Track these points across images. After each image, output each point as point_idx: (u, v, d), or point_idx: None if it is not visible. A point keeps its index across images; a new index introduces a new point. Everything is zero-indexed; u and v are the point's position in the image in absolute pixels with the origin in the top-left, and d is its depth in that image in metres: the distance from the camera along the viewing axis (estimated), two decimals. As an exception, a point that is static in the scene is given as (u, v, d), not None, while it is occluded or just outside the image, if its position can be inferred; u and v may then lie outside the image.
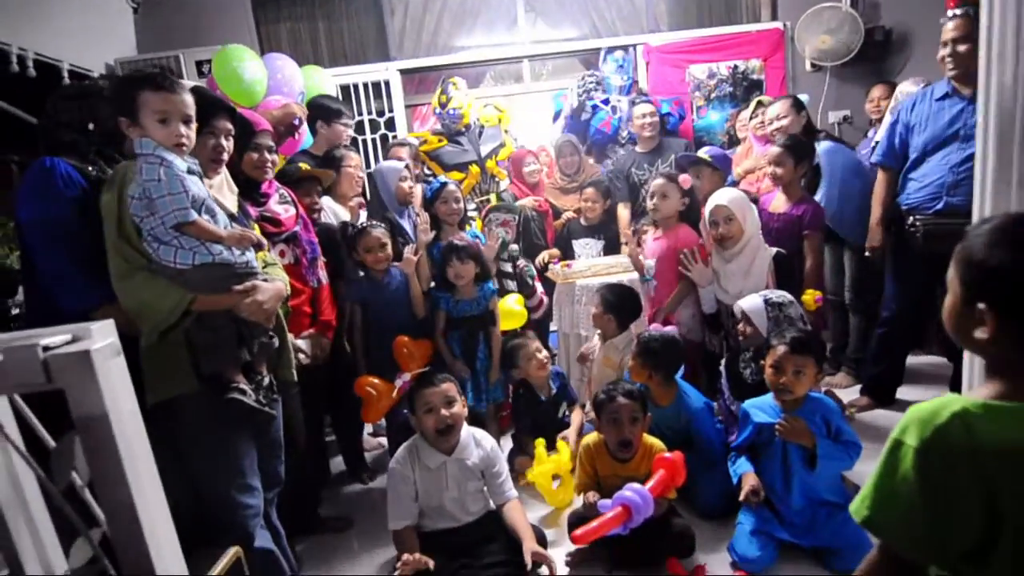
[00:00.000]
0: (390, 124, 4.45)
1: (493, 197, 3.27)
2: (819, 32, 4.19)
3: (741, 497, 1.77)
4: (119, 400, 0.82)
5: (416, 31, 4.55)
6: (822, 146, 2.72)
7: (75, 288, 1.46)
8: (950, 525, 0.75)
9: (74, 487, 0.84)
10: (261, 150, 1.78)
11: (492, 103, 3.73)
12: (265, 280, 1.45)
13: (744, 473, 1.83)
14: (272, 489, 1.63)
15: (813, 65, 4.36)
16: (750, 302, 2.10)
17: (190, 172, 1.31)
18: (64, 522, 0.83)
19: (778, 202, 2.52)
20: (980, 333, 0.79)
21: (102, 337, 0.82)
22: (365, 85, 4.39)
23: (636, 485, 1.62)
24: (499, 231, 2.85)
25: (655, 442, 1.89)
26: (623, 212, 3.23)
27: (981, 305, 0.78)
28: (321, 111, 2.91)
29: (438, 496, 1.80)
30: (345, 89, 4.30)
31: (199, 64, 3.90)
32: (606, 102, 3.62)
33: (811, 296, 2.28)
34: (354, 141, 4.33)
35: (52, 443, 0.84)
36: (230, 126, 1.49)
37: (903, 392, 2.71)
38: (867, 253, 2.62)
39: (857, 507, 0.84)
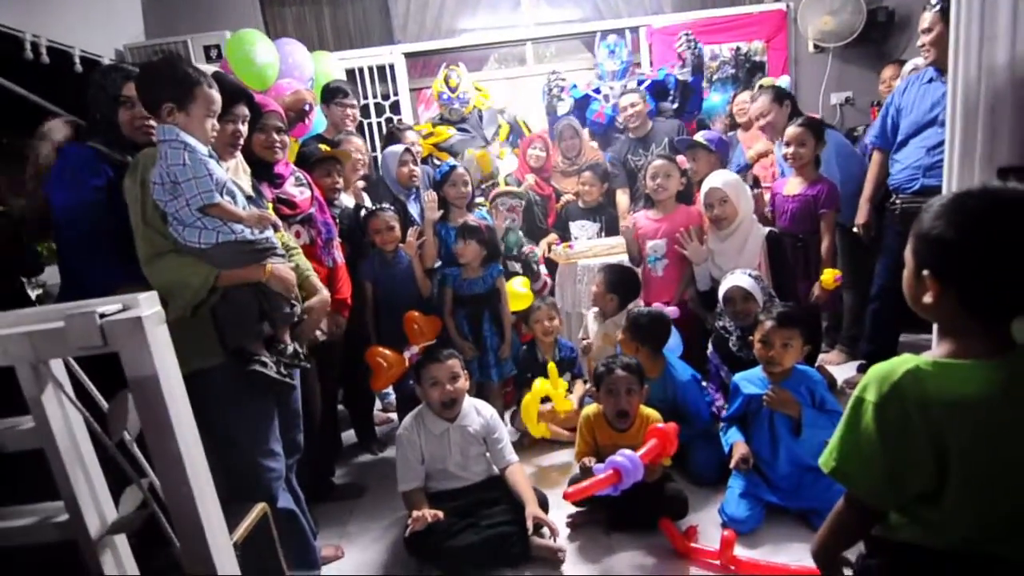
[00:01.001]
0: (395, 107, 4.50)
1: (501, 181, 3.32)
2: (821, 13, 4.20)
3: (732, 464, 1.89)
4: (166, 362, 0.92)
5: (420, 14, 4.57)
6: None
7: (95, 270, 1.55)
8: (906, 471, 0.84)
9: (123, 441, 0.94)
10: (269, 131, 1.82)
11: (475, 85, 3.73)
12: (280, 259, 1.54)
13: (735, 442, 1.94)
14: (292, 456, 1.74)
15: (815, 46, 4.37)
16: (747, 281, 2.19)
17: (211, 157, 1.40)
18: (114, 474, 0.93)
19: (792, 185, 2.57)
20: (927, 299, 0.87)
21: (149, 306, 0.91)
22: (370, 69, 4.43)
23: (628, 451, 1.73)
24: (507, 220, 2.95)
25: (651, 413, 1.99)
26: (622, 198, 3.28)
27: (925, 272, 0.87)
28: (323, 94, 2.98)
29: (442, 460, 1.95)
30: (350, 73, 4.34)
31: (207, 49, 3.95)
32: (598, 91, 3.65)
33: (830, 275, 2.36)
34: (359, 125, 4.40)
35: (103, 402, 0.93)
36: (247, 111, 1.57)
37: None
38: (855, 229, 2.69)
39: (825, 459, 0.93)
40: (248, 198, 1.55)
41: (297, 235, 1.85)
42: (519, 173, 3.43)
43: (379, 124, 4.51)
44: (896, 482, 0.85)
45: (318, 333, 1.89)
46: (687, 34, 3.65)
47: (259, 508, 1.37)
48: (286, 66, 3.27)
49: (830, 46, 4.32)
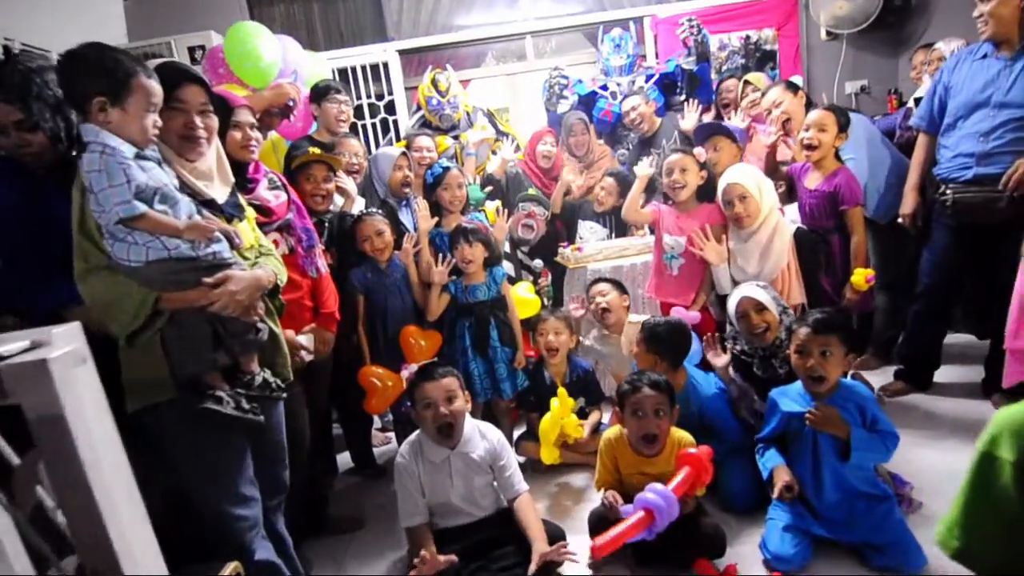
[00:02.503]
0: (390, 107, 4.32)
1: (532, 190, 3.11)
2: (835, -2, 4.00)
3: (774, 494, 1.67)
4: (84, 412, 0.71)
5: (414, 10, 4.40)
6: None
7: (36, 288, 1.36)
8: None
9: (44, 508, 0.75)
10: (243, 128, 1.61)
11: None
12: (242, 269, 1.34)
13: (775, 467, 1.72)
14: (276, 496, 1.54)
15: (829, 33, 4.19)
16: (757, 292, 1.98)
17: (141, 157, 1.19)
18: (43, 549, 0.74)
19: (811, 178, 2.36)
20: None
21: (65, 343, 0.72)
22: (363, 68, 4.25)
23: (658, 486, 1.51)
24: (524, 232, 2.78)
25: (683, 435, 1.77)
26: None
27: None
28: (312, 94, 2.82)
29: (444, 492, 1.72)
30: (343, 72, 4.17)
31: (191, 50, 3.78)
32: (604, 88, 3.46)
33: (862, 276, 2.15)
34: (353, 127, 4.22)
35: (17, 460, 0.74)
36: (203, 99, 1.34)
37: (941, 375, 2.58)
38: (899, 220, 2.46)
39: (944, 537, 0.72)
40: (207, 205, 1.33)
41: (275, 244, 1.64)
42: (523, 166, 3.22)
43: (373, 125, 4.32)
44: None
45: (304, 354, 1.69)
46: (690, 19, 3.45)
47: (231, 568, 1.17)
48: (284, 64, 3.07)
49: (844, 32, 4.12)
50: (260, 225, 1.54)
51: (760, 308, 1.96)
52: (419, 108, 3.44)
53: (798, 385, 1.72)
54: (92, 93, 1.15)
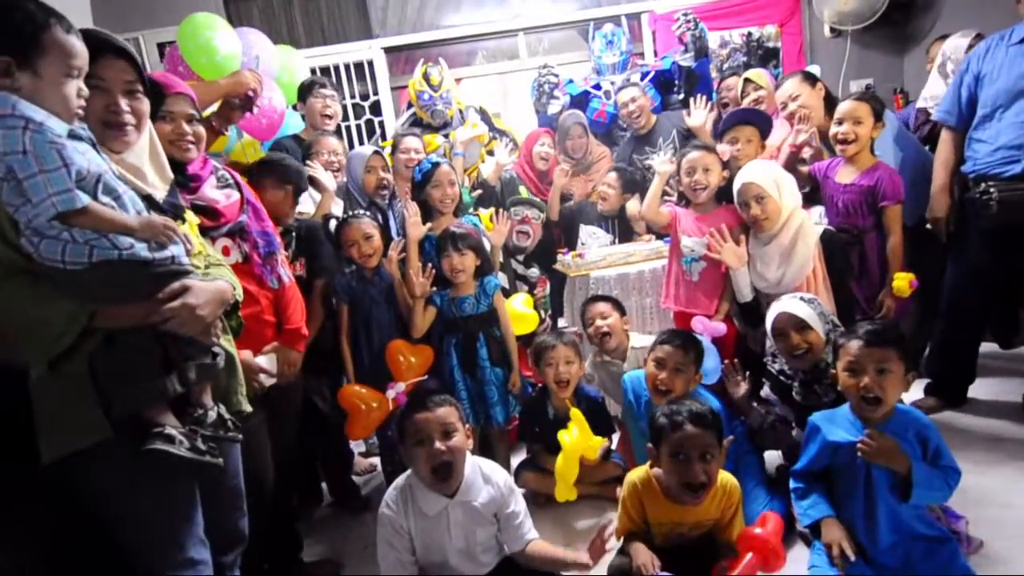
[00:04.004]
0: (375, 108, 4.10)
1: (523, 191, 2.89)
2: (840, -7, 3.85)
3: (828, 558, 1.41)
4: None
5: (400, 6, 4.19)
6: None
7: None
8: None
9: None
10: (176, 119, 1.33)
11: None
12: (202, 279, 1.09)
13: (825, 519, 1.45)
14: (232, 550, 1.29)
15: (833, 30, 4.04)
16: (797, 306, 1.73)
17: (74, 137, 0.95)
18: None
19: (845, 172, 2.15)
20: None
21: None
22: (347, 66, 4.04)
23: None
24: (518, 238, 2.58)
25: (728, 479, 1.47)
26: (632, 207, 2.87)
27: None
28: (298, 92, 2.68)
29: (440, 549, 1.43)
30: (324, 71, 3.94)
31: (160, 46, 3.57)
32: (597, 87, 3.27)
33: (904, 280, 1.94)
34: (336, 128, 3.97)
35: None
36: (130, 77, 1.10)
37: (975, 389, 2.38)
38: (928, 225, 2.26)
39: None
40: (149, 202, 1.08)
41: (225, 251, 1.38)
42: (518, 169, 3.00)
43: (358, 127, 4.09)
44: None
45: (264, 378, 1.44)
46: (686, 14, 3.27)
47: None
48: (248, 59, 2.85)
49: (848, 29, 3.97)
50: (207, 230, 1.29)
51: (801, 326, 1.71)
52: (410, 105, 3.23)
53: (845, 409, 1.48)
54: None
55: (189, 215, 1.21)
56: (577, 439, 1.90)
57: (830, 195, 2.19)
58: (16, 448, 0.99)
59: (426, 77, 3.02)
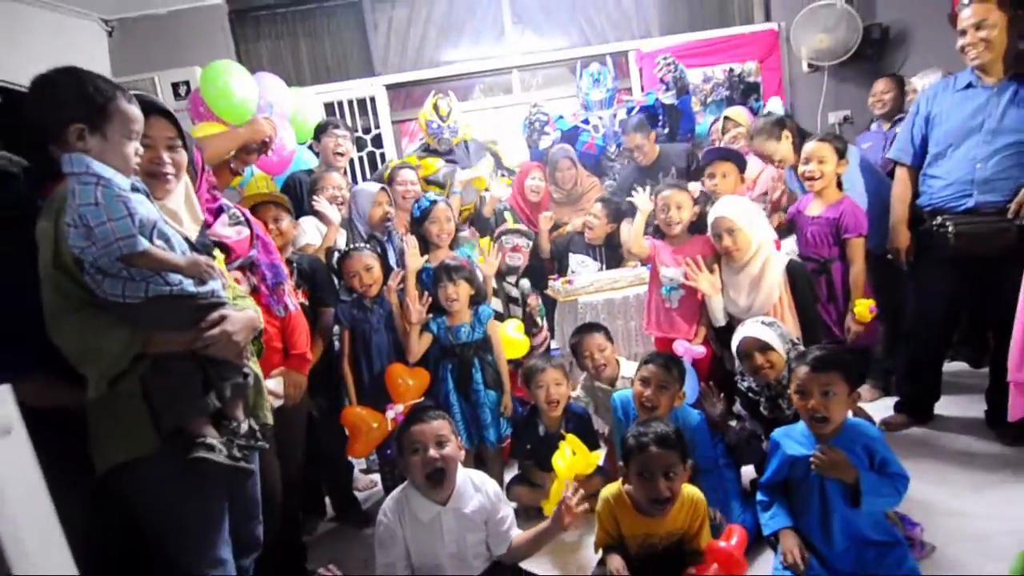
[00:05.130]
0: (377, 141, 4.31)
1: (509, 217, 3.06)
2: (816, 31, 4.08)
3: (783, 565, 1.57)
4: (7, 495, 0.62)
5: (401, 45, 4.43)
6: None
7: None
8: None
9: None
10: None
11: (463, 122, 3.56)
12: (235, 310, 1.26)
13: (783, 531, 1.61)
14: (249, 554, 1.42)
15: (810, 66, 4.26)
16: (759, 330, 1.91)
17: (134, 190, 1.13)
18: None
19: (814, 205, 2.34)
20: None
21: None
22: (350, 102, 4.25)
23: None
24: (512, 260, 2.72)
25: (693, 493, 1.61)
26: (626, 227, 3.04)
27: None
28: (315, 131, 2.90)
29: (433, 554, 1.57)
30: (329, 107, 4.16)
31: (175, 85, 3.77)
32: (586, 122, 3.47)
33: (864, 306, 2.10)
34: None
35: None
36: (170, 133, 1.28)
37: (941, 407, 2.52)
38: (890, 256, 2.43)
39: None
40: (191, 244, 1.27)
41: (236, 283, 1.56)
42: (512, 201, 3.19)
43: (360, 159, 4.30)
44: None
45: (272, 400, 1.59)
46: (665, 58, 3.51)
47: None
48: (264, 101, 3.06)
49: (825, 64, 4.20)
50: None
51: (764, 348, 1.88)
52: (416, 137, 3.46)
53: (802, 425, 1.64)
54: (69, 120, 1.08)
55: (216, 252, 1.38)
56: (571, 462, 1.97)
57: (800, 227, 2.37)
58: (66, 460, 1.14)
59: (436, 107, 3.25)
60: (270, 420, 1.42)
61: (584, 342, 2.31)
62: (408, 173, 2.88)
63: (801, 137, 2.59)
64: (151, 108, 1.26)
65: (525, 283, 2.82)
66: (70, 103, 1.09)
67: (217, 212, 1.59)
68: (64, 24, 3.65)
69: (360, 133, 4.28)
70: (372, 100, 4.28)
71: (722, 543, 1.45)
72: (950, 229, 2.14)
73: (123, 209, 1.07)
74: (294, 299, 1.82)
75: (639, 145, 3.09)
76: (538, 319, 2.70)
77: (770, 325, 1.91)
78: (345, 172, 3.11)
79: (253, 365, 1.35)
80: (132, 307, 1.11)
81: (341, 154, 2.84)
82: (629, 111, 3.47)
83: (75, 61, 3.33)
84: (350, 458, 2.46)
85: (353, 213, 2.53)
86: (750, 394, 1.97)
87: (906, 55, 4.15)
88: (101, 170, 1.07)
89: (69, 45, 3.72)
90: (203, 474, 1.15)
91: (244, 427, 1.28)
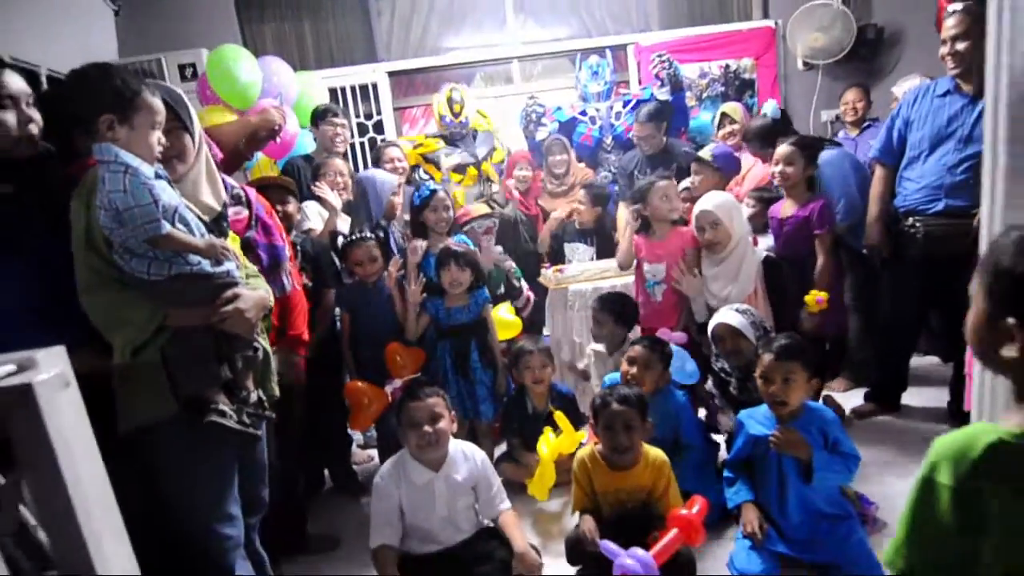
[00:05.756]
0: (378, 127, 4.39)
1: (478, 206, 3.18)
2: (811, 30, 4.16)
3: (743, 534, 1.73)
4: (68, 436, 0.75)
5: (404, 32, 4.49)
6: (826, 153, 2.67)
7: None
8: (1000, 567, 0.68)
9: (26, 527, 0.77)
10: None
11: (478, 109, 3.67)
12: (247, 289, 1.38)
13: (744, 504, 1.77)
14: (255, 515, 1.55)
15: (805, 64, 4.33)
16: (733, 317, 2.06)
17: (158, 177, 1.24)
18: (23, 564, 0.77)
19: (786, 206, 2.48)
20: (1008, 351, 0.72)
21: (49, 367, 0.75)
22: (352, 88, 4.32)
23: (639, 552, 1.50)
24: (488, 243, 2.81)
25: (658, 455, 1.79)
26: (623, 211, 3.14)
27: (1010, 320, 0.72)
28: (312, 116, 2.93)
29: (427, 515, 1.72)
30: (332, 92, 4.22)
31: (181, 67, 3.83)
32: (584, 113, 3.57)
33: (812, 297, 2.23)
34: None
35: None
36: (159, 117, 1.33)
37: (908, 397, 2.67)
38: (864, 251, 2.56)
39: (891, 558, 0.76)
40: (207, 227, 1.38)
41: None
42: (506, 192, 3.31)
43: (362, 144, 4.38)
44: None
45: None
46: (659, 55, 3.61)
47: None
48: (269, 85, 3.14)
49: (820, 63, 4.27)
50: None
51: (735, 333, 2.03)
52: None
53: (765, 408, 1.78)
54: (100, 111, 1.19)
55: (234, 238, 1.50)
56: (554, 445, 2.12)
57: (776, 229, 2.50)
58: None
59: (450, 102, 3.38)
60: (276, 392, 1.54)
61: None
62: (394, 151, 3.02)
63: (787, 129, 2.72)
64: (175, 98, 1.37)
65: (498, 249, 2.89)
66: (101, 95, 1.19)
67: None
68: (71, 3, 3.71)
69: (362, 119, 4.37)
70: (374, 86, 4.34)
71: (683, 511, 1.61)
72: (920, 230, 2.26)
73: (148, 196, 1.18)
74: (293, 280, 1.92)
75: (650, 135, 3.14)
76: (515, 282, 2.81)
77: (743, 313, 2.05)
78: (346, 157, 3.22)
79: (262, 340, 1.47)
80: (156, 284, 1.23)
81: (340, 142, 2.93)
82: (625, 104, 3.57)
83: (82, 40, 3.46)
84: (350, 432, 2.61)
85: (371, 198, 2.60)
86: (722, 375, 2.12)
87: (899, 56, 4.24)
88: (129, 159, 1.18)
89: (76, 24, 3.78)
90: (215, 437, 1.28)
91: (253, 397, 1.40)
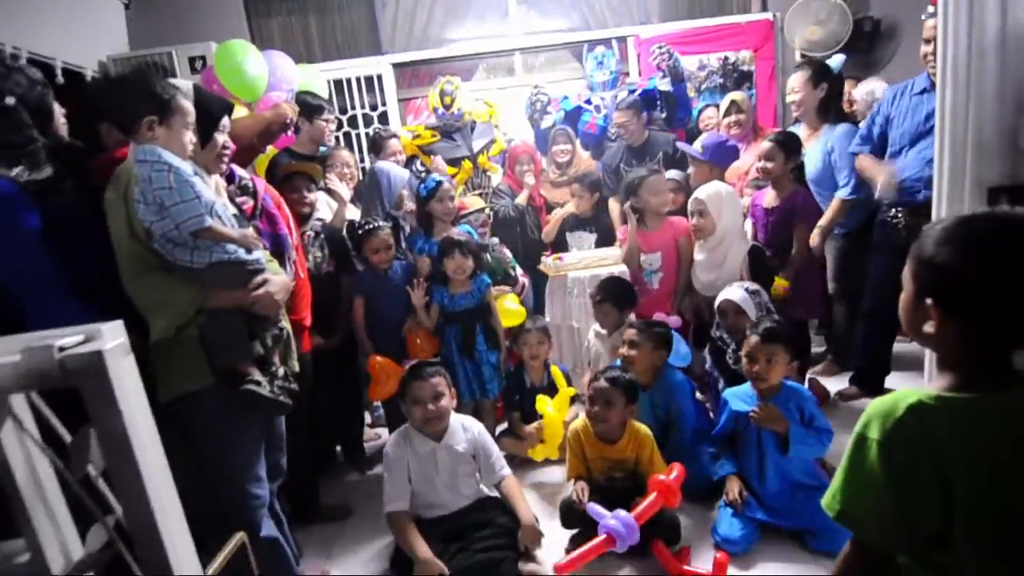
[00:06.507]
0: (383, 118, 4.48)
1: (474, 199, 3.28)
2: (808, 23, 4.23)
3: (725, 502, 1.88)
4: (130, 396, 0.88)
5: (408, 24, 4.57)
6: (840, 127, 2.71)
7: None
8: (914, 512, 0.80)
9: (89, 477, 0.90)
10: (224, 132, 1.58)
11: (483, 98, 3.77)
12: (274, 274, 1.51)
13: (728, 476, 1.92)
14: (276, 480, 1.69)
15: (802, 56, 4.40)
16: (736, 293, 2.19)
17: (196, 174, 1.36)
18: (80, 510, 0.89)
19: (769, 197, 2.60)
20: (928, 328, 0.84)
21: (113, 337, 0.87)
22: (358, 79, 4.41)
23: (623, 513, 1.66)
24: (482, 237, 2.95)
25: (641, 428, 1.95)
26: (614, 206, 3.26)
27: (928, 301, 0.83)
28: (303, 108, 2.85)
29: (431, 481, 1.89)
30: (338, 83, 4.33)
31: (191, 60, 3.93)
32: (589, 102, 3.66)
33: (779, 284, 2.36)
34: (347, 136, 4.38)
35: (67, 436, 0.89)
36: (229, 124, 1.53)
37: (891, 381, 2.79)
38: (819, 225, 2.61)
39: (829, 502, 0.88)
40: (234, 215, 1.51)
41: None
42: (508, 180, 3.41)
43: (367, 135, 4.48)
44: (905, 524, 0.81)
45: None
46: (660, 47, 3.69)
47: (236, 539, 1.32)
48: (274, 79, 3.24)
49: (817, 55, 4.33)
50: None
51: (738, 310, 2.18)
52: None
53: (747, 387, 1.91)
54: (143, 113, 1.31)
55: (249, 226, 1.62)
56: (556, 402, 2.33)
57: (757, 218, 2.62)
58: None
59: (442, 94, 3.47)
60: (297, 368, 1.68)
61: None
62: (395, 143, 3.19)
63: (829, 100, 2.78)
64: (226, 105, 1.54)
65: (494, 240, 3.02)
66: (143, 99, 1.32)
67: (228, 179, 1.81)
68: (83, -2, 3.80)
69: (367, 110, 4.46)
70: (379, 78, 4.44)
71: (662, 476, 1.77)
72: (902, 220, 2.38)
73: (191, 192, 1.31)
74: (298, 268, 2.03)
75: (626, 123, 3.21)
76: (510, 270, 2.93)
77: (752, 293, 2.19)
78: (352, 147, 3.31)
79: (285, 322, 1.60)
80: (197, 270, 1.36)
81: (330, 138, 2.95)
82: (630, 92, 3.65)
83: (93, 33, 3.60)
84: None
85: (384, 189, 2.70)
86: (719, 343, 2.29)
87: (895, 49, 4.31)
88: (170, 159, 1.31)
89: (88, 18, 3.87)
90: (250, 405, 1.41)
91: (280, 371, 1.54)
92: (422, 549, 1.73)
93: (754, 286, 2.27)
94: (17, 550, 0.88)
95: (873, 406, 0.85)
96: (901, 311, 0.89)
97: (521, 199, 3.30)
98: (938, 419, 0.80)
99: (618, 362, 2.29)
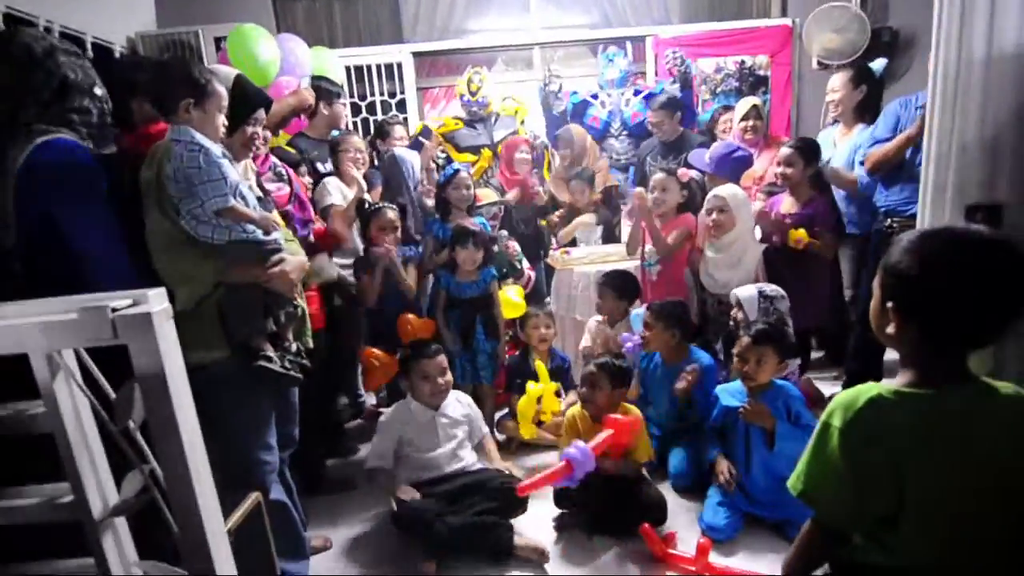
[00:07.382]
0: (401, 106, 4.55)
1: (488, 192, 3.34)
2: (827, 30, 4.23)
3: (715, 483, 1.98)
4: (172, 356, 0.97)
5: (430, 14, 4.61)
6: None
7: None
8: (868, 496, 0.88)
9: (128, 429, 0.99)
10: (257, 126, 1.67)
11: (512, 96, 3.82)
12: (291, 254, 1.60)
13: (717, 457, 2.03)
14: (287, 449, 1.78)
15: (820, 64, 4.40)
16: (746, 291, 2.27)
17: (224, 156, 1.44)
18: (118, 459, 0.98)
19: (787, 204, 2.66)
20: (890, 329, 0.92)
21: (158, 302, 0.97)
22: (378, 67, 4.48)
23: (580, 443, 1.78)
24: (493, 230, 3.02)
25: (632, 411, 2.06)
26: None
27: (889, 304, 0.92)
28: (321, 93, 2.92)
29: (432, 447, 2.11)
30: (358, 70, 4.40)
31: (217, 40, 4.00)
32: (595, 96, 3.73)
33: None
34: (364, 122, 4.46)
35: (110, 391, 0.99)
36: (264, 116, 1.62)
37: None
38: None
39: (793, 482, 0.97)
40: (258, 199, 1.60)
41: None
42: (501, 178, 3.47)
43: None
44: (859, 506, 0.89)
45: None
46: (674, 51, 3.75)
47: (253, 498, 1.42)
48: (287, 63, 3.30)
49: (834, 64, 4.35)
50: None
51: (739, 306, 2.24)
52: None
53: (738, 383, 1.99)
54: (183, 96, 1.40)
55: (274, 210, 1.71)
56: (533, 391, 2.49)
57: (777, 224, 2.67)
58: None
59: (469, 83, 3.55)
60: (311, 344, 1.77)
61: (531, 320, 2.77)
62: (400, 129, 3.31)
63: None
64: (265, 98, 1.64)
65: (503, 233, 3.08)
66: (182, 83, 1.41)
67: (263, 166, 1.91)
68: (113, -27, 3.88)
69: (386, 97, 4.54)
70: (399, 66, 4.50)
71: (618, 416, 1.92)
72: (896, 230, 2.45)
73: (219, 172, 1.39)
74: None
75: (661, 121, 3.33)
76: (516, 263, 3.01)
77: (766, 298, 2.23)
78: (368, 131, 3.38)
79: (300, 300, 1.69)
80: (219, 247, 1.45)
81: (343, 122, 3.05)
82: (636, 94, 3.73)
83: (122, 10, 3.71)
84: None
85: (407, 177, 2.80)
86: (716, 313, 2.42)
87: (912, 60, 4.31)
88: (202, 140, 1.39)
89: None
90: (262, 378, 1.51)
91: (293, 347, 1.63)
92: (402, 486, 1.96)
93: (772, 291, 2.28)
94: (62, 492, 0.97)
95: (838, 397, 0.93)
96: (871, 314, 0.97)
97: (511, 196, 3.34)
98: (894, 412, 0.88)
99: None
